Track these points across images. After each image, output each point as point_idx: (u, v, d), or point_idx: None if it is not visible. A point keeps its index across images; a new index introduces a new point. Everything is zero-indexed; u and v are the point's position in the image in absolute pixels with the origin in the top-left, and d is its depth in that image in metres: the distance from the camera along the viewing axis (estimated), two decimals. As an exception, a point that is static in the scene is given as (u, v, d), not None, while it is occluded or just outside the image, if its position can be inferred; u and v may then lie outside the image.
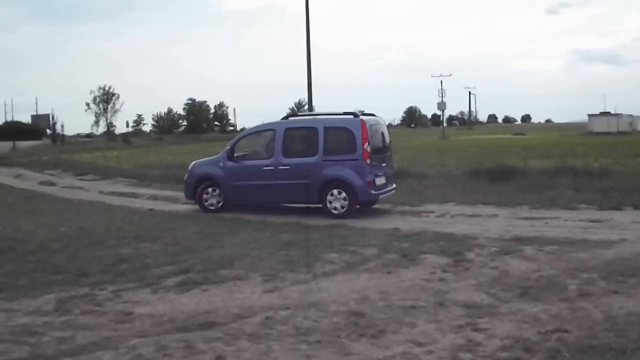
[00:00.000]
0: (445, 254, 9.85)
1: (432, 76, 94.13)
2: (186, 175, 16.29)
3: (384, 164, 15.27)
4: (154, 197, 18.48)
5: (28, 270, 9.50)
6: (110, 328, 6.80)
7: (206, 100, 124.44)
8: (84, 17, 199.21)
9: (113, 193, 20.07)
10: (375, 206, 15.43)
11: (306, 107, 31.72)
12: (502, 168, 19.88)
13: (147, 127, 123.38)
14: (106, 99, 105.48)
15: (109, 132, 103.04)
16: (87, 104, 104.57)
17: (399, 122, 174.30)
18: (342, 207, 14.27)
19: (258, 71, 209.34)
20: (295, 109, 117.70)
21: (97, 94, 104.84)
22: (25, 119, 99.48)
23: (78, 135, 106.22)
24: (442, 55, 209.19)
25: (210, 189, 15.43)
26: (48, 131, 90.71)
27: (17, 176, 28.42)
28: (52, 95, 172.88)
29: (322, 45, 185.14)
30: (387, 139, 15.87)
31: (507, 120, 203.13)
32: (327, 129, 14.80)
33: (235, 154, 15.51)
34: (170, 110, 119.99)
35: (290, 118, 16.43)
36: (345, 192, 14.34)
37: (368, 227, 12.51)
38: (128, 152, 47.33)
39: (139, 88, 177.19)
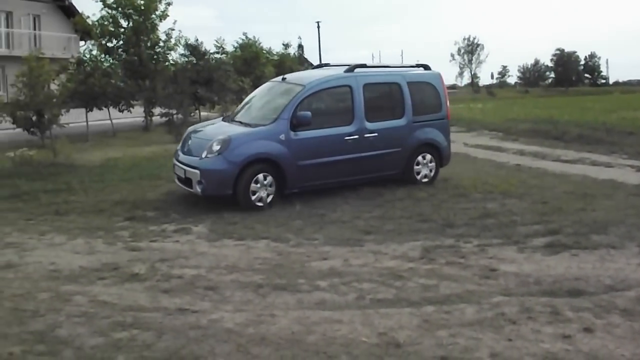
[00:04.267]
0: None
1: None
2: (212, 158, 11.10)
3: None
4: (521, 152, 18.17)
5: (395, 216, 10.12)
6: (474, 282, 6.95)
7: (576, 50, 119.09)
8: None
9: (478, 146, 20.24)
10: None
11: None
12: None
13: (511, 79, 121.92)
14: (471, 50, 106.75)
15: (473, 83, 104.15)
16: (452, 55, 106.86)
17: None
18: (427, 175, 13.02)
19: (636, 19, 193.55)
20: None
21: (461, 45, 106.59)
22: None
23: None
24: None
25: (261, 176, 11.13)
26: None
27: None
28: (417, 46, 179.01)
29: None
30: None
31: None
32: (411, 84, 12.97)
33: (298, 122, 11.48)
34: (536, 62, 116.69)
35: (356, 70, 12.69)
36: (433, 157, 13.10)
37: None
38: (492, 104, 47.39)
39: (505, 38, 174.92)
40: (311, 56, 73.22)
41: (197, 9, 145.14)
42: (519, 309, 6.08)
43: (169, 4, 26.52)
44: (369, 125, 12.12)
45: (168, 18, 27.01)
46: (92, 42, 28.55)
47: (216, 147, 11.07)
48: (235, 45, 41.25)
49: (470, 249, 8.22)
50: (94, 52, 27.58)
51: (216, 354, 5.23)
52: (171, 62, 29.19)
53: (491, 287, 6.77)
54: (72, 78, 24.46)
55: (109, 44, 26.46)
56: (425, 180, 12.83)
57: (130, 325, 5.85)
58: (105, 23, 26.14)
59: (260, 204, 11.02)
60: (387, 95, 13.01)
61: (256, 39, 41.50)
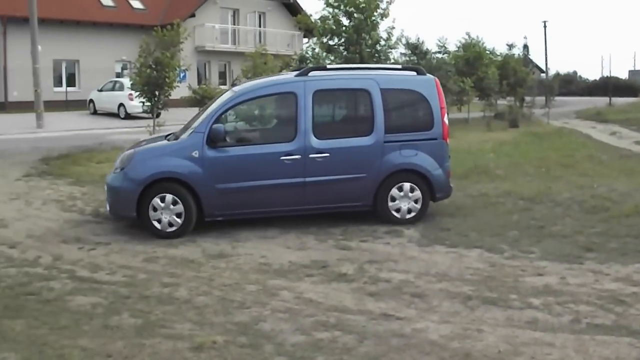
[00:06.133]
0: None
1: None
2: (116, 175, 9.97)
3: None
4: None
5: (620, 233, 9.46)
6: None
7: None
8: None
9: None
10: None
11: None
12: None
13: None
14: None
15: None
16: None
17: None
18: (412, 209, 10.26)
19: None
20: None
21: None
22: (622, 74, 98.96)
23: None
24: None
25: (169, 198, 9.51)
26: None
27: (612, 133, 28.49)
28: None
29: None
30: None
31: None
32: (386, 92, 10.27)
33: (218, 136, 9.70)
34: None
35: (311, 74, 10.43)
36: (419, 188, 10.28)
37: None
38: None
39: None
40: (538, 58, 71.18)
41: (418, 7, 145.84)
42: None
43: (390, 2, 26.73)
44: (317, 143, 9.89)
45: (389, 16, 27.16)
46: (315, 39, 29.45)
47: (120, 163, 10.04)
48: (458, 44, 40.98)
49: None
50: (316, 50, 28.41)
51: (417, 366, 5.16)
52: (392, 61, 29.36)
53: None
54: (295, 74, 25.37)
55: (330, 42, 27.09)
56: (409, 215, 10.24)
57: (333, 326, 5.96)
58: (327, 21, 26.79)
59: (170, 229, 9.51)
60: (348, 105, 10.95)
61: (479, 39, 40.97)
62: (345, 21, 26.68)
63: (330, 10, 26.76)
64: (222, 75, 47.30)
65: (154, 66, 20.38)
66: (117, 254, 8.63)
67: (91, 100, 36.47)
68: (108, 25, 42.05)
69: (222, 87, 32.47)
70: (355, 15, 26.25)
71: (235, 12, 48.67)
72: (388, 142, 10.12)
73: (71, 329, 5.95)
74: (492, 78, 38.15)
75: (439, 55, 36.42)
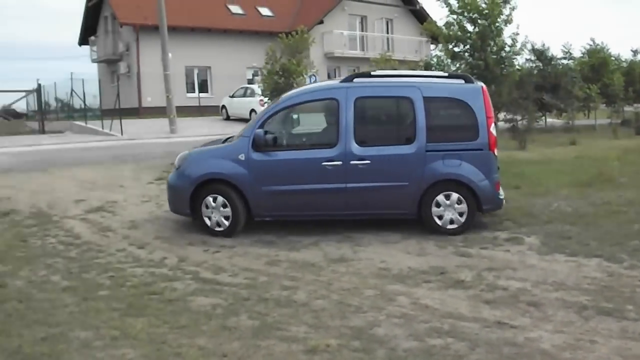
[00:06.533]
0: None
1: None
2: (173, 173, 10.94)
3: None
4: None
5: None
6: None
7: None
8: None
9: None
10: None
11: None
12: None
13: None
14: None
15: None
16: None
17: None
18: (455, 220, 10.03)
19: None
20: None
21: None
22: None
23: None
24: None
25: (220, 198, 10.19)
26: None
27: None
28: None
29: None
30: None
31: None
32: (429, 101, 10.04)
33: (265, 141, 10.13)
34: None
35: (356, 80, 10.51)
36: (465, 198, 9.99)
37: None
38: None
39: None
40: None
41: (542, 14, 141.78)
42: None
43: (513, 8, 26.32)
44: (359, 150, 9.96)
45: (513, 22, 26.69)
46: (440, 46, 29.32)
47: (177, 162, 10.95)
48: (583, 50, 39.89)
49: None
50: (441, 56, 28.29)
51: (528, 375, 5.20)
52: (517, 67, 28.86)
53: None
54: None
55: (456, 49, 26.84)
56: (452, 226, 10.08)
57: (446, 333, 6.08)
58: (452, 28, 26.58)
59: (219, 228, 10.21)
60: (390, 113, 10.83)
61: (604, 45, 39.74)
62: (469, 27, 26.45)
63: (455, 17, 26.59)
64: (353, 81, 47.70)
65: (280, 73, 20.76)
66: (241, 257, 9.04)
67: (223, 106, 37.57)
68: (238, 33, 43.40)
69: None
70: (479, 21, 25.99)
71: (363, 19, 49.05)
72: (430, 151, 10.01)
73: (190, 329, 6.30)
74: (617, 84, 36.95)
75: (564, 61, 35.44)
